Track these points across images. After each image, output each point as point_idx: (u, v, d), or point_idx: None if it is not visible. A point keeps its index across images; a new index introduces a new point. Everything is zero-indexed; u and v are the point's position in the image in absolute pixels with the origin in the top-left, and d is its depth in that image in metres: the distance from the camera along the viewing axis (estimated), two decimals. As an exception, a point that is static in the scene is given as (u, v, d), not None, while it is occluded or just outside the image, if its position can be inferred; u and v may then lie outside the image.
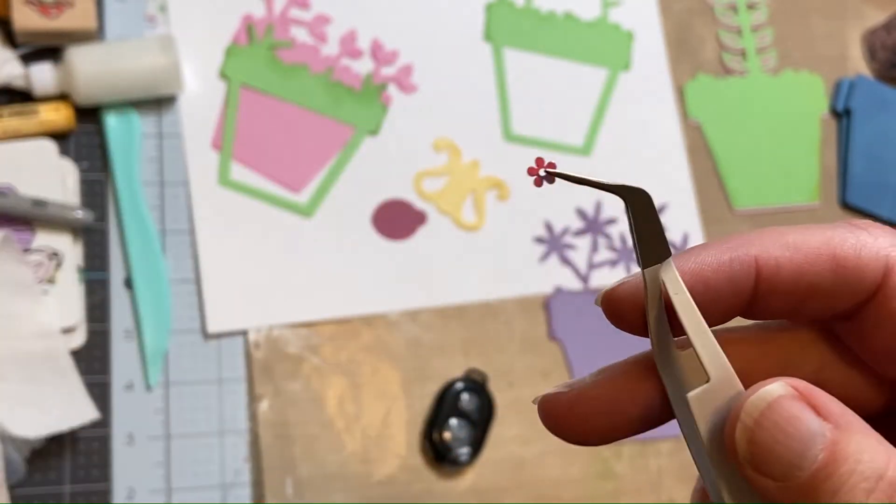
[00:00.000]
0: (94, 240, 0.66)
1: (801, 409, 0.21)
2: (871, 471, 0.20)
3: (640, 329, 0.26)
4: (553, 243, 0.75)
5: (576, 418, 0.25)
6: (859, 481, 0.20)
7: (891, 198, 0.82)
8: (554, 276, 0.74)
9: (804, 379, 0.22)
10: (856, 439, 0.20)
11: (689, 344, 0.24)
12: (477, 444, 0.68)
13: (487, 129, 0.76)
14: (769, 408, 0.21)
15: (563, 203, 0.76)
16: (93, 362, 0.64)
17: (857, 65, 0.86)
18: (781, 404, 0.21)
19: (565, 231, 0.75)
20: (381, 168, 0.73)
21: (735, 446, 0.21)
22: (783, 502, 0.21)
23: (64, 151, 0.67)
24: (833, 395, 0.22)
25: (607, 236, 0.76)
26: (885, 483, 0.20)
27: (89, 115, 0.68)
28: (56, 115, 0.66)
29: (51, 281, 0.64)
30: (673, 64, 0.81)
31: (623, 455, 0.72)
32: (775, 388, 0.21)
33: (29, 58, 0.67)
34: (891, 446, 0.21)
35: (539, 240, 0.75)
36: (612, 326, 0.26)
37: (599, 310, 0.26)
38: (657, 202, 0.78)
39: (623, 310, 0.25)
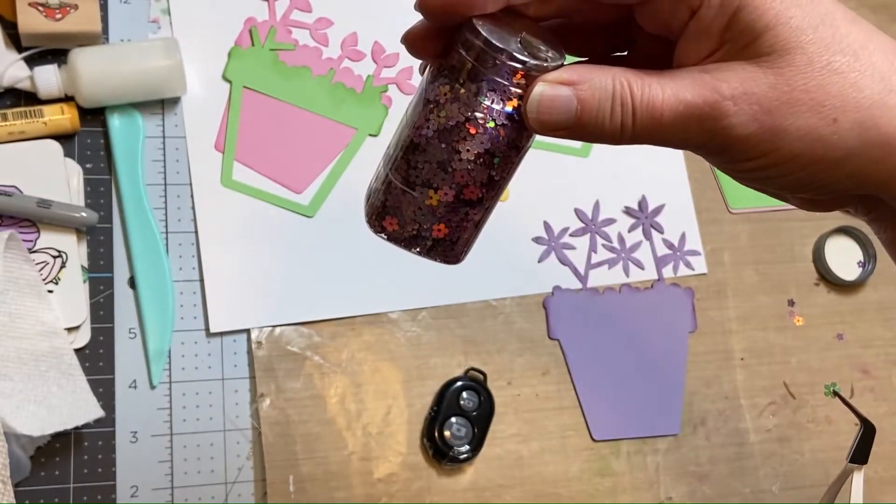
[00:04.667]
0: (98, 240, 0.67)
1: (556, 90, 0.35)
2: (604, 93, 0.34)
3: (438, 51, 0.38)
4: (552, 243, 0.75)
5: (412, 39, 0.38)
6: (603, 106, 0.34)
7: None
8: (553, 276, 0.75)
9: (565, 8, 0.38)
10: (588, 84, 0.34)
11: None
12: (477, 442, 0.69)
13: (487, 130, 0.77)
14: (540, 102, 0.35)
15: (562, 204, 0.77)
16: (97, 361, 0.65)
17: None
18: (545, 95, 0.35)
19: (564, 231, 0.76)
20: (381, 169, 0.74)
21: (532, 126, 0.36)
22: (573, 137, 0.35)
23: (68, 152, 0.67)
24: (587, 19, 0.39)
25: (605, 237, 0.77)
26: (616, 94, 0.34)
27: (94, 116, 0.68)
28: (61, 117, 0.66)
29: (55, 280, 0.64)
30: (670, 66, 0.82)
31: (621, 452, 0.73)
32: (537, 89, 0.35)
33: (34, 60, 0.67)
34: (608, 69, 0.35)
35: (538, 240, 0.75)
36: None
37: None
38: (654, 203, 0.78)
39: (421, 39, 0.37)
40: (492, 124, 0.36)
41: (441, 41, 0.38)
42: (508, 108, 0.36)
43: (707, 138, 0.34)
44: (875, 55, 0.34)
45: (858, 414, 0.70)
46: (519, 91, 0.36)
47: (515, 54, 0.35)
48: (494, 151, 0.37)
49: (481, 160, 0.37)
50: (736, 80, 0.33)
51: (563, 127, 0.35)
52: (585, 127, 0.35)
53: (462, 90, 0.36)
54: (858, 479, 0.67)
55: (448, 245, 0.39)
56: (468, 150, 0.37)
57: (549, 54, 0.36)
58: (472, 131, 0.36)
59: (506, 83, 0.36)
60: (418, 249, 0.39)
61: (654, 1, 0.36)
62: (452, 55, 0.37)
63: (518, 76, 0.36)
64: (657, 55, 0.38)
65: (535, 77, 0.36)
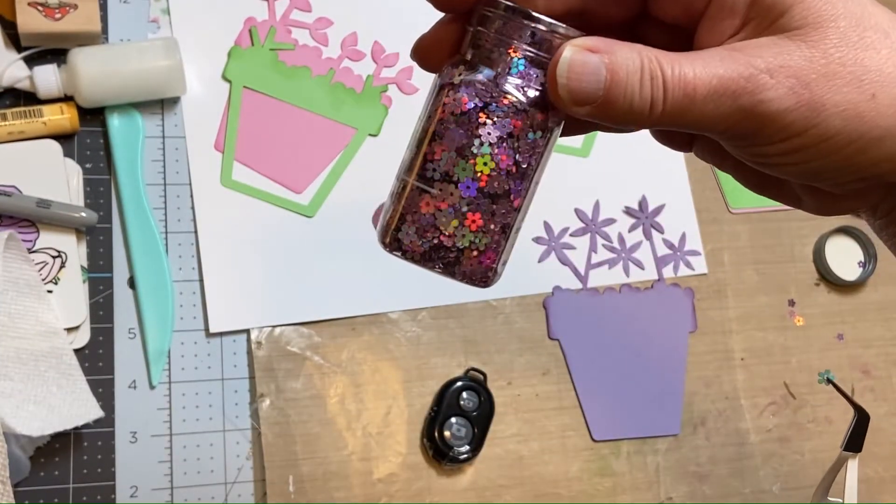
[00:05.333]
0: (97, 240, 0.67)
1: (585, 56, 0.33)
2: (632, 64, 0.32)
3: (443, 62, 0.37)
4: (552, 243, 0.75)
5: (424, 49, 0.38)
6: (632, 79, 0.32)
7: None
8: (553, 276, 0.75)
9: (574, 6, 0.36)
10: (615, 55, 0.33)
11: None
12: (477, 443, 0.69)
13: (487, 130, 0.77)
14: (570, 66, 0.33)
15: (562, 204, 0.77)
16: (96, 361, 0.65)
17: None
18: (575, 59, 0.33)
19: (564, 231, 0.76)
20: (382, 169, 0.73)
21: (560, 97, 0.33)
22: (601, 115, 0.33)
23: (68, 152, 0.67)
24: (597, 16, 0.37)
25: (605, 237, 0.77)
26: (644, 68, 0.32)
27: (93, 116, 0.68)
28: (60, 117, 0.66)
29: (55, 281, 0.64)
30: (670, 66, 0.82)
31: (621, 452, 0.73)
32: (566, 52, 0.33)
33: (33, 60, 0.67)
34: (634, 44, 0.33)
35: (538, 240, 0.75)
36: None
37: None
38: (654, 203, 0.78)
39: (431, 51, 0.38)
40: (514, 102, 0.34)
41: (452, 45, 0.37)
42: (533, 82, 0.34)
43: (741, 117, 0.32)
44: None
45: (852, 402, 0.69)
46: (544, 60, 0.34)
47: (541, 16, 0.34)
48: (519, 135, 0.34)
49: (505, 145, 0.34)
50: (770, 54, 0.32)
51: (591, 100, 0.33)
52: (614, 102, 0.33)
53: (481, 67, 0.34)
54: (853, 467, 0.67)
55: (474, 257, 0.36)
56: (489, 134, 0.34)
57: (568, 28, 0.34)
58: (492, 113, 0.34)
59: (531, 51, 0.34)
60: (441, 266, 0.36)
61: None
62: (465, 42, 0.36)
63: (542, 43, 0.34)
64: None
65: (561, 44, 0.33)
